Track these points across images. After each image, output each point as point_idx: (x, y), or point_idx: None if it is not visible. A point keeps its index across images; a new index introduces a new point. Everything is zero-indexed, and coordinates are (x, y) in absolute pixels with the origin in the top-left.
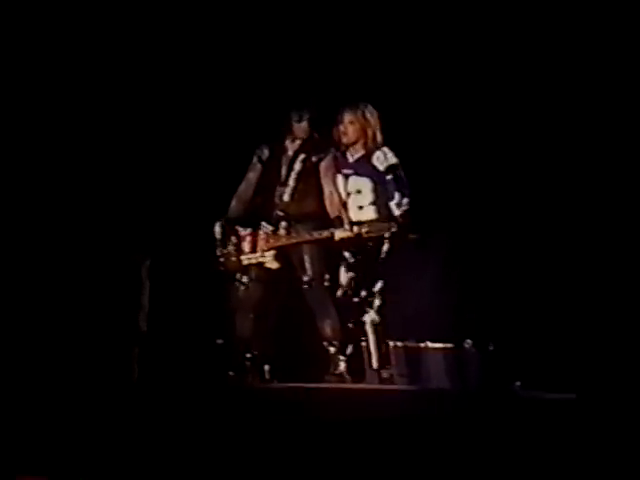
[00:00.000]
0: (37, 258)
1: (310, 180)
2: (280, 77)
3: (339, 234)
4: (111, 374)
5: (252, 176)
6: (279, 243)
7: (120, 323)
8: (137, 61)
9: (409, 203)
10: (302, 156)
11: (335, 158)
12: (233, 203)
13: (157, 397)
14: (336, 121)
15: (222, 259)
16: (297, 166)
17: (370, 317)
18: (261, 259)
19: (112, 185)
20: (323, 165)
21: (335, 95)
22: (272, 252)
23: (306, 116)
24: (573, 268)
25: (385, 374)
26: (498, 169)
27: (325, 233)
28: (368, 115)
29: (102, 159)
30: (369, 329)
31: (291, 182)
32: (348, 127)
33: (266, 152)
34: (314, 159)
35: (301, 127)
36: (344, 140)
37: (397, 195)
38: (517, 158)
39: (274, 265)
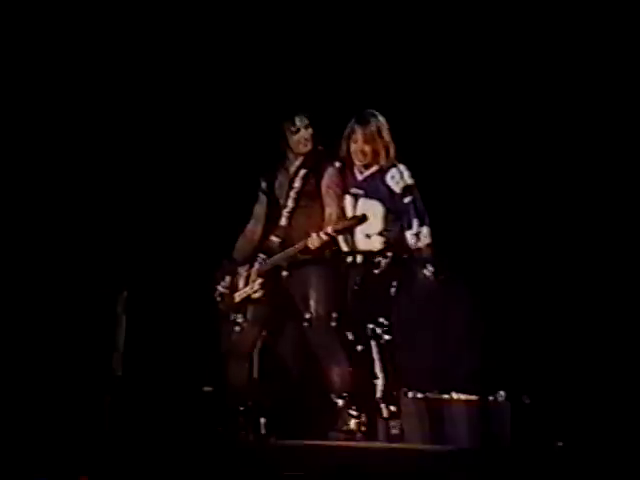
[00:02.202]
0: None
1: (312, 199)
2: (275, 87)
3: (312, 242)
4: (79, 426)
5: (258, 210)
6: (264, 269)
7: (90, 366)
8: (125, 88)
9: (430, 234)
10: (302, 172)
11: (340, 173)
12: (239, 243)
13: (133, 454)
14: (347, 137)
15: (218, 299)
16: (297, 184)
17: (378, 356)
18: (249, 291)
19: (83, 206)
20: (324, 182)
21: (336, 99)
22: (259, 280)
23: (302, 124)
24: (614, 315)
25: (395, 430)
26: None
27: (299, 245)
28: (382, 129)
29: (76, 180)
30: (377, 370)
31: (290, 203)
32: (365, 147)
33: (264, 182)
34: (317, 175)
35: (299, 138)
36: (359, 161)
37: (415, 223)
38: (550, 195)
39: (259, 294)
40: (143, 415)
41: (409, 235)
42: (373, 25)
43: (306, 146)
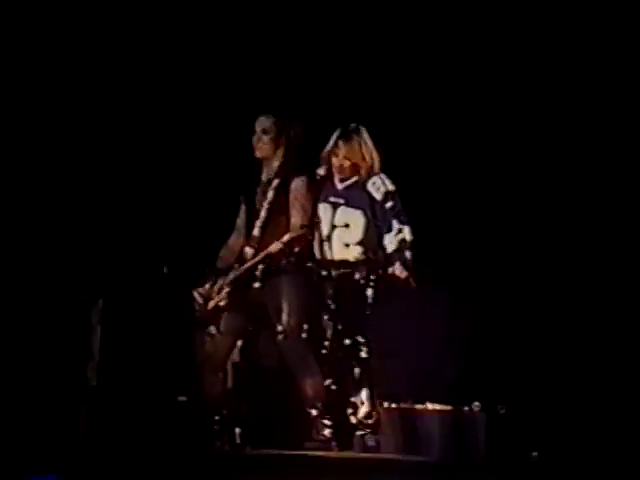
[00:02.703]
0: None
1: (283, 210)
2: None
3: (272, 248)
4: (53, 436)
5: (239, 221)
6: (230, 279)
7: (64, 375)
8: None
9: (410, 233)
10: (275, 182)
11: (309, 184)
12: (222, 253)
13: (107, 464)
14: (330, 151)
15: (196, 307)
16: (269, 195)
17: (356, 372)
18: (217, 299)
19: (59, 214)
20: (291, 193)
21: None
22: (226, 290)
23: (259, 127)
24: (595, 324)
25: (371, 441)
26: (514, 215)
27: (262, 254)
28: (364, 145)
29: (51, 188)
30: (355, 387)
31: (262, 213)
32: (344, 162)
33: (243, 194)
34: (287, 186)
35: (254, 141)
36: (339, 174)
37: (395, 223)
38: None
39: (223, 302)
40: (118, 425)
41: (389, 236)
42: (356, 34)
43: (258, 151)
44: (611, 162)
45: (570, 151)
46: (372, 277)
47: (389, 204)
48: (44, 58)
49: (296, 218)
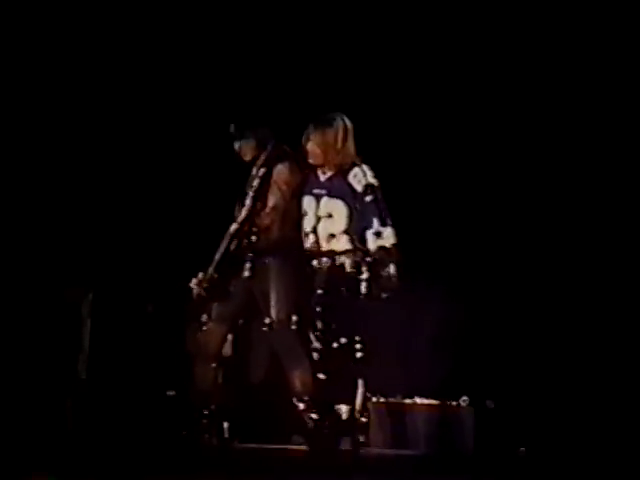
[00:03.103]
0: None
1: (267, 194)
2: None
3: (230, 229)
4: (42, 429)
5: (236, 211)
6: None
7: (54, 369)
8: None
9: (394, 235)
10: (261, 171)
11: (290, 170)
12: (222, 243)
13: (96, 457)
14: (305, 138)
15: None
16: (255, 182)
17: (348, 367)
18: (199, 286)
19: (49, 209)
20: (272, 178)
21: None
22: (200, 275)
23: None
24: (583, 319)
25: (360, 436)
26: (502, 210)
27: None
28: (336, 132)
29: (42, 183)
30: (346, 381)
31: (248, 201)
32: (315, 149)
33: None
34: (271, 173)
35: (237, 148)
36: (312, 161)
37: (376, 222)
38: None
39: (196, 290)
40: (106, 419)
41: (369, 234)
42: (338, 30)
43: (247, 155)
44: (604, 158)
45: (564, 146)
46: (363, 268)
47: (368, 197)
48: (45, 59)
49: (270, 200)
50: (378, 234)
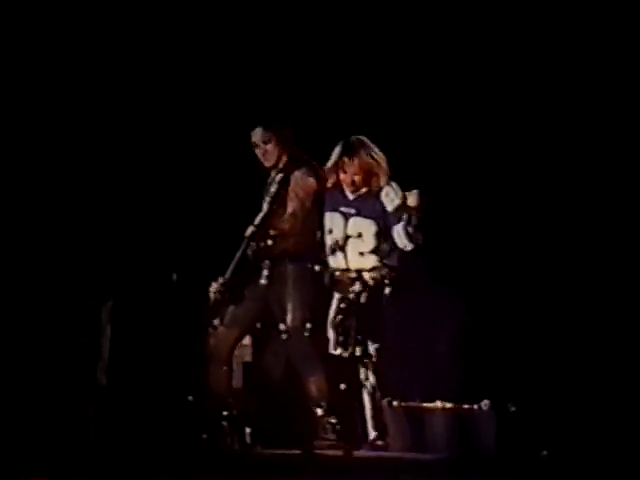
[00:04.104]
0: None
1: (283, 203)
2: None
3: (247, 232)
4: (64, 435)
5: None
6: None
7: (75, 376)
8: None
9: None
10: (279, 177)
11: (312, 172)
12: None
13: (117, 463)
14: (335, 166)
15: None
16: (272, 188)
17: (364, 377)
18: (215, 290)
19: (70, 215)
20: (291, 180)
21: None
22: (221, 281)
23: (258, 139)
24: (605, 322)
25: (380, 440)
26: (521, 214)
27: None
28: (371, 155)
29: (62, 188)
30: (364, 392)
31: (265, 207)
32: (355, 178)
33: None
34: (289, 180)
35: (258, 153)
36: (351, 190)
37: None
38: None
39: (212, 296)
40: (127, 425)
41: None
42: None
43: (267, 161)
44: (607, 160)
45: (572, 150)
46: (387, 278)
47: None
48: (50, 61)
49: (289, 207)
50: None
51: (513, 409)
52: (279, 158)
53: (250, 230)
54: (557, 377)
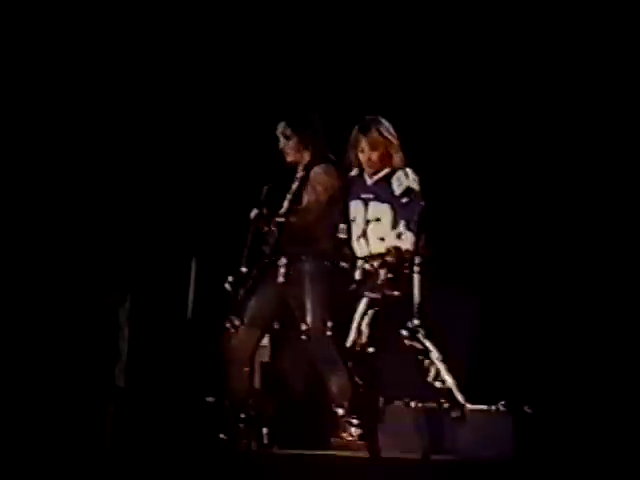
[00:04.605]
0: None
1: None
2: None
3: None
4: (81, 436)
5: None
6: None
7: (92, 376)
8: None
9: (413, 242)
10: (300, 175)
11: (333, 168)
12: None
13: (135, 464)
14: (353, 146)
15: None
16: (294, 186)
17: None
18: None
19: (87, 216)
20: (311, 176)
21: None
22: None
23: (281, 133)
24: (622, 325)
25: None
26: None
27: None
28: (385, 133)
29: (77, 188)
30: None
31: (285, 204)
32: (372, 155)
33: None
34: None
35: (281, 147)
36: (369, 169)
37: (402, 224)
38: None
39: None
40: (146, 426)
41: (391, 233)
42: (374, 29)
43: (289, 156)
44: (612, 161)
45: (572, 150)
46: (417, 261)
47: (404, 199)
48: (52, 61)
49: (304, 200)
50: (399, 236)
51: (529, 411)
52: (300, 154)
53: (254, 212)
54: (575, 379)
